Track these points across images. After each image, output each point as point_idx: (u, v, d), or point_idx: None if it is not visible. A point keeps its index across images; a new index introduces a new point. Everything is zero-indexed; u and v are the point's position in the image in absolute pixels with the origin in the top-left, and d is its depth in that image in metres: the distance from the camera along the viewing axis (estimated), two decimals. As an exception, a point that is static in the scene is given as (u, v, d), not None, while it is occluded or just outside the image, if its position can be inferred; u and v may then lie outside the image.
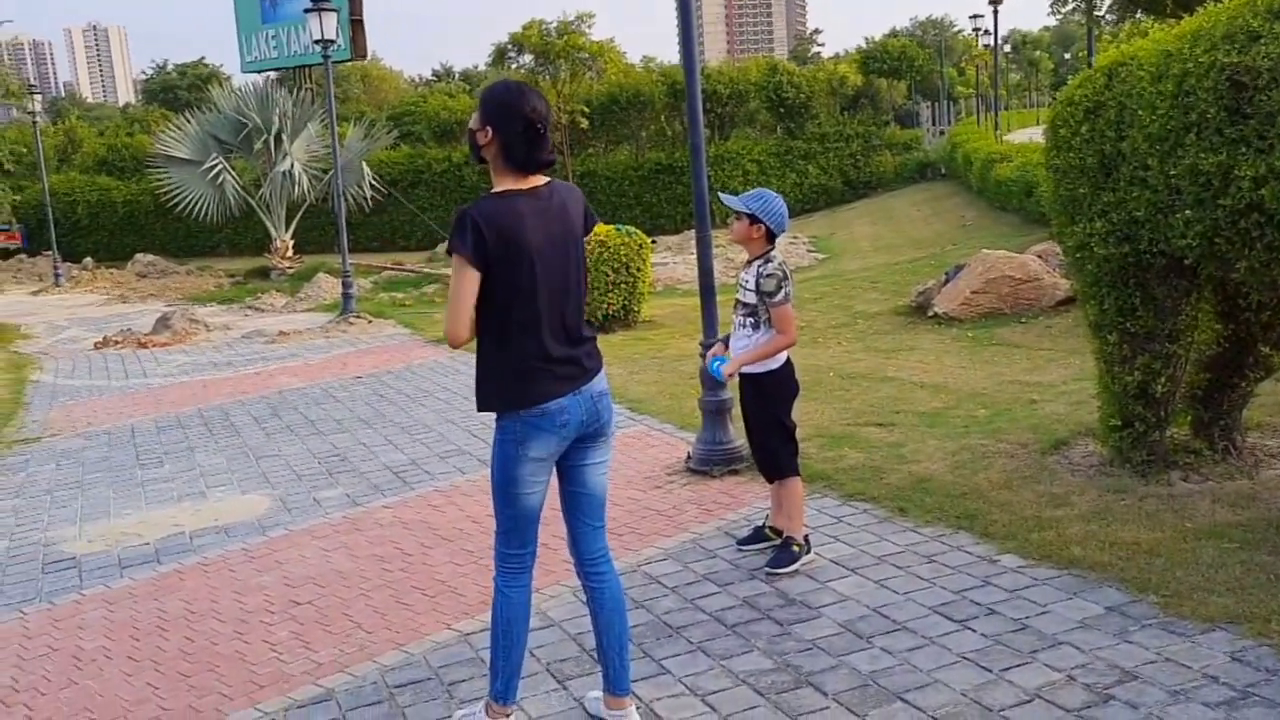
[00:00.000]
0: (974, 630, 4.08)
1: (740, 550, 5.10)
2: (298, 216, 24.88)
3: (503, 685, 3.52)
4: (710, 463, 6.33)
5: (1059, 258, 11.68)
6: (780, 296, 4.64)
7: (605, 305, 12.33)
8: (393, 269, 22.09)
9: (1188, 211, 4.62)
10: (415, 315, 16.01)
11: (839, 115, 30.22)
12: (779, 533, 5.03)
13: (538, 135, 3.27)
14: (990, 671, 3.75)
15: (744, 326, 4.78)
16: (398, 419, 8.66)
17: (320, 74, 31.77)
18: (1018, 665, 3.77)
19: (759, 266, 4.69)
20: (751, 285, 4.70)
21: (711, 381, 6.37)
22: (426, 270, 21.15)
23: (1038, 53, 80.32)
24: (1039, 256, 11.49)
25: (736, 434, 6.40)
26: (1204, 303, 5.36)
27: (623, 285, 12.41)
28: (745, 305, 4.76)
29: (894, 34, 69.85)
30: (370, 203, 24.97)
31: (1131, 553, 4.61)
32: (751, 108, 29.75)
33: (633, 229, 12.84)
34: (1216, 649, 3.75)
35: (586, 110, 26.49)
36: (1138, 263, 5.18)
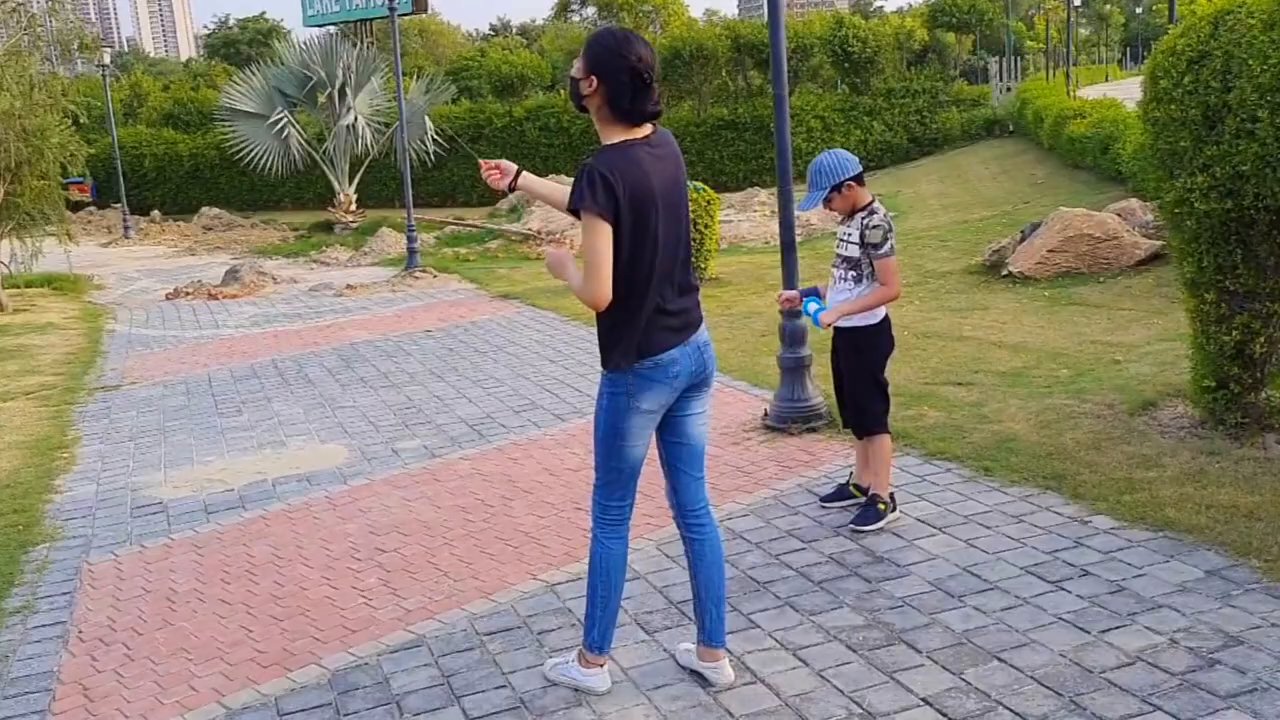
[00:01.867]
0: (1069, 591, 4.02)
1: (823, 507, 5.07)
2: (361, 170, 25.00)
3: (599, 635, 3.53)
4: (788, 420, 6.28)
5: (1138, 216, 11.41)
6: (886, 248, 4.57)
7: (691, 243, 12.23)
8: (455, 224, 22.14)
9: (1299, 165, 4.45)
10: (480, 270, 16.03)
11: (905, 70, 29.63)
12: (863, 490, 4.98)
13: (645, 85, 3.21)
14: (1088, 633, 3.69)
15: (844, 280, 4.70)
16: (469, 373, 8.70)
17: (380, 28, 31.71)
18: (1117, 627, 3.71)
19: (863, 218, 4.61)
20: (855, 238, 4.62)
21: (790, 338, 6.31)
22: (489, 225, 21.17)
23: (1108, 6, 78.15)
24: (1118, 214, 11.21)
25: (815, 391, 6.34)
26: (1308, 261, 5.17)
27: (690, 242, 12.28)
28: (847, 259, 4.68)
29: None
30: (433, 157, 25.00)
31: (1229, 516, 4.50)
32: (815, 63, 29.29)
33: (701, 185, 12.71)
34: (1325, 615, 3.66)
35: (649, 65, 26.26)
36: (1240, 219, 5.02)
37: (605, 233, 3.16)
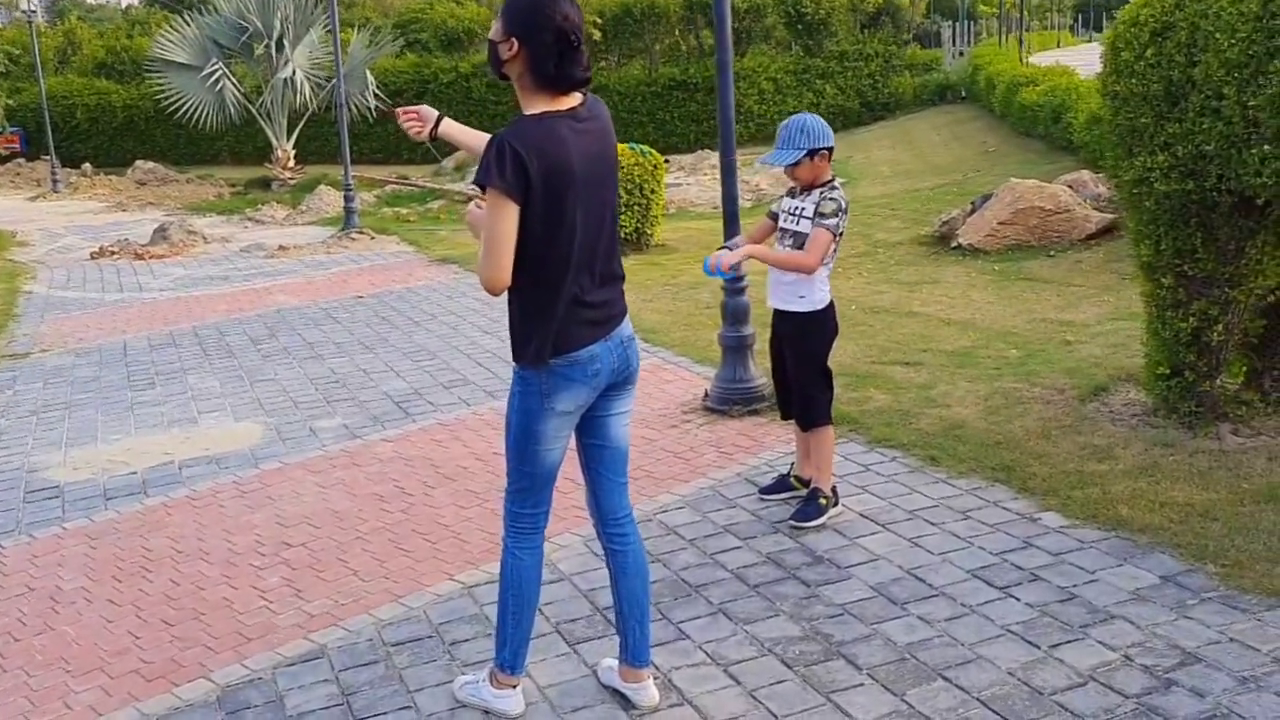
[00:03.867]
0: (1017, 599, 3.78)
1: (763, 499, 4.79)
2: (300, 126, 24.21)
3: (511, 654, 3.23)
4: (729, 402, 5.99)
5: (1089, 188, 11.23)
6: (831, 222, 4.26)
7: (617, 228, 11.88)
8: (397, 183, 21.52)
9: (1266, 146, 4.21)
10: (420, 233, 15.56)
11: (858, 33, 29.28)
12: (805, 482, 4.72)
13: (571, 47, 2.87)
14: (1038, 648, 3.45)
15: None
16: (400, 343, 8.32)
17: (325, -22, 30.71)
18: (1068, 642, 3.48)
19: (823, 193, 4.30)
20: (810, 212, 4.31)
21: (733, 315, 6.02)
22: (432, 185, 20.59)
23: (1061, -28, 78.01)
24: (1070, 186, 11.01)
25: (758, 371, 6.06)
26: (1267, 245, 4.94)
27: (636, 207, 11.96)
28: (796, 234, 4.37)
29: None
30: (374, 113, 24.30)
31: (1184, 515, 4.29)
32: (769, 23, 28.84)
33: (647, 148, 12.33)
34: (1285, 629, 3.45)
35: (599, 21, 25.64)
36: (1202, 201, 4.78)
37: (510, 214, 2.84)
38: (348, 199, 15.93)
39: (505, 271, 2.88)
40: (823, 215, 4.29)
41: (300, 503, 5.14)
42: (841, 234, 4.36)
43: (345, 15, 37.64)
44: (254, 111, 23.50)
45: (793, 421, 4.76)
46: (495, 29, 2.93)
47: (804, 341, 4.47)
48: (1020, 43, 27.59)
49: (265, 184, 23.71)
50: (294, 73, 22.88)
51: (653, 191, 12.13)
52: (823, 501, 4.52)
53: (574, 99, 2.96)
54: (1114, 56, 5.13)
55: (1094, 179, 11.36)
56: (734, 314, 6.02)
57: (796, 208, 4.41)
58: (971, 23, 44.38)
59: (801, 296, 4.42)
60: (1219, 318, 4.99)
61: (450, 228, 16.23)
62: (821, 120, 4.38)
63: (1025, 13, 43.81)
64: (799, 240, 4.39)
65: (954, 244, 10.71)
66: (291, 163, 24.06)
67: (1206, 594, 3.72)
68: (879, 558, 4.17)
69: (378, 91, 23.71)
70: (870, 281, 9.61)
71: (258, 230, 17.35)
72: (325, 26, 24.05)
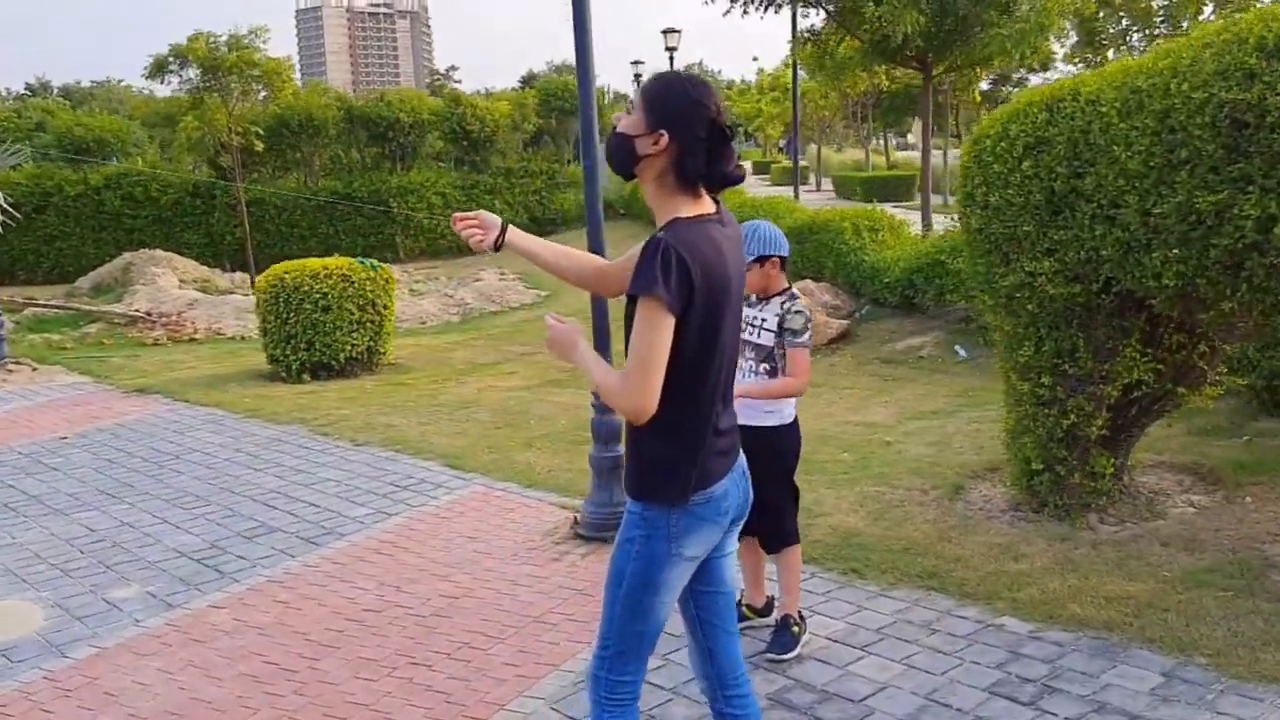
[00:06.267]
0: (1053, 714, 3.64)
1: (717, 634, 4.39)
2: (-98, 243, 20.94)
3: None
4: (607, 528, 5.54)
5: (817, 296, 11.85)
6: (805, 337, 4.05)
7: (349, 347, 11.07)
8: (40, 305, 19.03)
9: (1173, 251, 4.48)
10: (89, 360, 13.75)
11: (523, 151, 29.93)
12: (757, 610, 4.40)
13: (725, 141, 2.50)
14: (1118, 765, 3.31)
15: (755, 374, 4.13)
16: (154, 489, 7.11)
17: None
18: (1140, 754, 3.37)
19: (784, 303, 4.08)
20: (772, 325, 4.06)
21: (605, 434, 5.63)
22: (87, 307, 18.38)
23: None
24: (804, 295, 11.58)
25: (633, 494, 5.68)
26: (1137, 344, 5.28)
27: (369, 324, 11.23)
28: (759, 348, 4.11)
29: (532, 76, 71.51)
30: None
31: (1135, 608, 4.37)
32: (433, 139, 28.81)
33: (377, 262, 11.66)
34: (1312, 713, 3.53)
35: (260, 132, 24.36)
36: (1086, 303, 5.04)
37: (669, 328, 2.42)
38: (-3, 325, 13.81)
39: (656, 396, 2.43)
40: (794, 332, 4.09)
41: (153, 696, 4.11)
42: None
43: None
44: None
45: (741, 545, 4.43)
46: (633, 121, 2.52)
47: (777, 457, 4.19)
48: (674, 163, 29.25)
49: None
50: (-104, 183, 19.80)
51: (385, 307, 11.47)
52: (795, 630, 4.21)
53: (710, 203, 2.58)
54: (981, 170, 5.37)
55: (818, 287, 12.02)
56: (606, 433, 5.64)
57: (756, 318, 4.17)
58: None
59: (770, 411, 4.16)
60: (1095, 413, 5.25)
61: (124, 353, 14.52)
62: (775, 228, 4.21)
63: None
64: (761, 353, 4.15)
65: (706, 353, 10.86)
66: (-107, 285, 20.65)
67: (1215, 686, 3.76)
68: (885, 685, 3.91)
69: (5, 204, 21.01)
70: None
71: None
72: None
